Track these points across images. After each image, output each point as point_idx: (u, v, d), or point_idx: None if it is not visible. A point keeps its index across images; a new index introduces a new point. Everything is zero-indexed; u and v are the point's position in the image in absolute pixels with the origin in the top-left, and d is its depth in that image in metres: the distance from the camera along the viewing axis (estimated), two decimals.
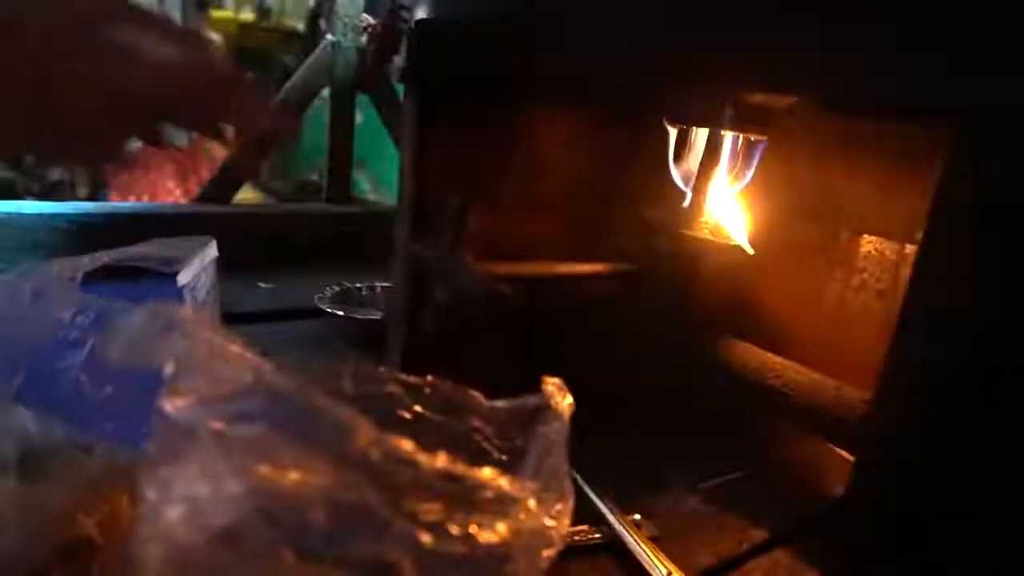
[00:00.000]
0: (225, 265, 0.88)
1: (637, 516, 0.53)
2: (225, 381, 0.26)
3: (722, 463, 0.61)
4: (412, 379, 0.40)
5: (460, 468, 0.29)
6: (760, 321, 0.67)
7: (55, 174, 2.95)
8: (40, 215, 0.77)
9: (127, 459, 0.41)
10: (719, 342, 0.59)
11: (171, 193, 2.97)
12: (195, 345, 0.26)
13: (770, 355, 0.56)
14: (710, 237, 0.58)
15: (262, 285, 0.86)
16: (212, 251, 0.54)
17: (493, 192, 0.64)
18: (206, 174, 3.02)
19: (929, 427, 0.31)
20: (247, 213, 0.92)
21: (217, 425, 0.26)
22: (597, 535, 0.51)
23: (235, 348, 0.31)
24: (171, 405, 0.26)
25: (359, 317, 0.72)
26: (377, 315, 0.73)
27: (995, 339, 0.28)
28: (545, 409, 0.39)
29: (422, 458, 0.28)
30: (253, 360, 0.30)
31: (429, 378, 0.40)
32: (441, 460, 0.29)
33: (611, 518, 0.51)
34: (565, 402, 0.39)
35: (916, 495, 0.30)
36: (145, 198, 2.93)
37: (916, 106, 0.29)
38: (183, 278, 0.53)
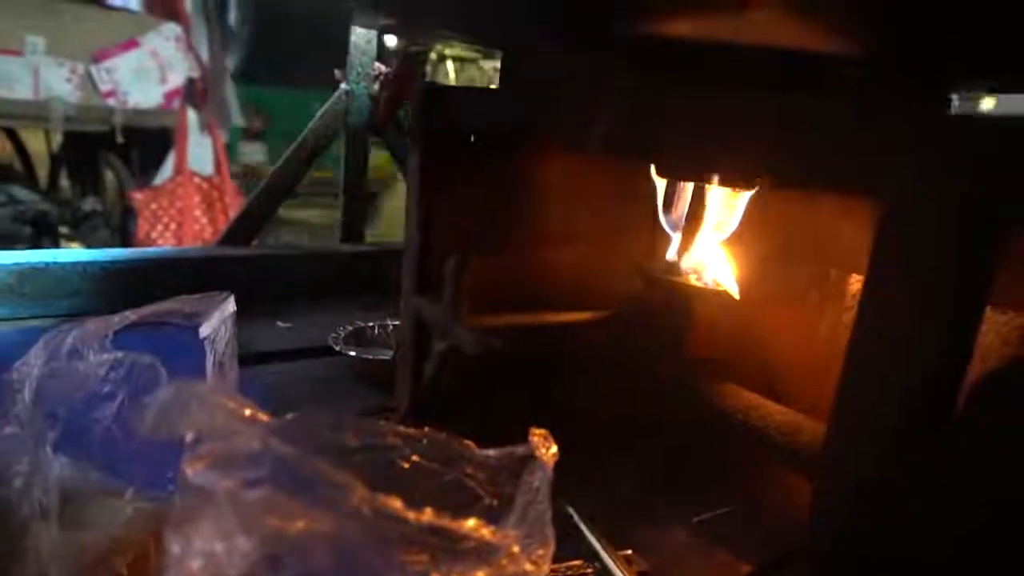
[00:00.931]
0: (247, 306, 0.93)
1: (629, 551, 0.56)
2: (238, 449, 0.30)
3: (714, 498, 0.64)
4: (409, 431, 0.44)
5: (445, 521, 0.33)
6: (754, 361, 0.70)
7: (87, 204, 3.06)
8: (76, 262, 0.83)
9: (153, 504, 0.45)
10: (709, 384, 0.61)
11: (197, 221, 3.06)
12: (212, 417, 0.30)
13: (755, 396, 0.59)
14: (697, 284, 0.61)
15: (280, 324, 0.90)
16: (230, 306, 0.59)
17: (495, 239, 0.68)
18: (231, 202, 3.12)
19: (873, 456, 0.34)
20: (265, 255, 0.97)
21: (230, 487, 0.30)
22: (590, 570, 0.54)
23: (247, 414, 0.35)
24: (191, 470, 0.30)
25: (369, 358, 0.76)
26: (387, 355, 0.76)
27: (929, 375, 0.31)
28: (532, 458, 0.42)
29: (410, 514, 0.32)
30: (262, 427, 0.34)
31: (426, 429, 0.44)
32: (427, 515, 0.32)
33: (603, 554, 0.54)
34: (549, 452, 0.42)
35: (859, 520, 0.33)
36: (172, 226, 3.02)
37: (848, 186, 0.32)
38: (204, 331, 0.58)
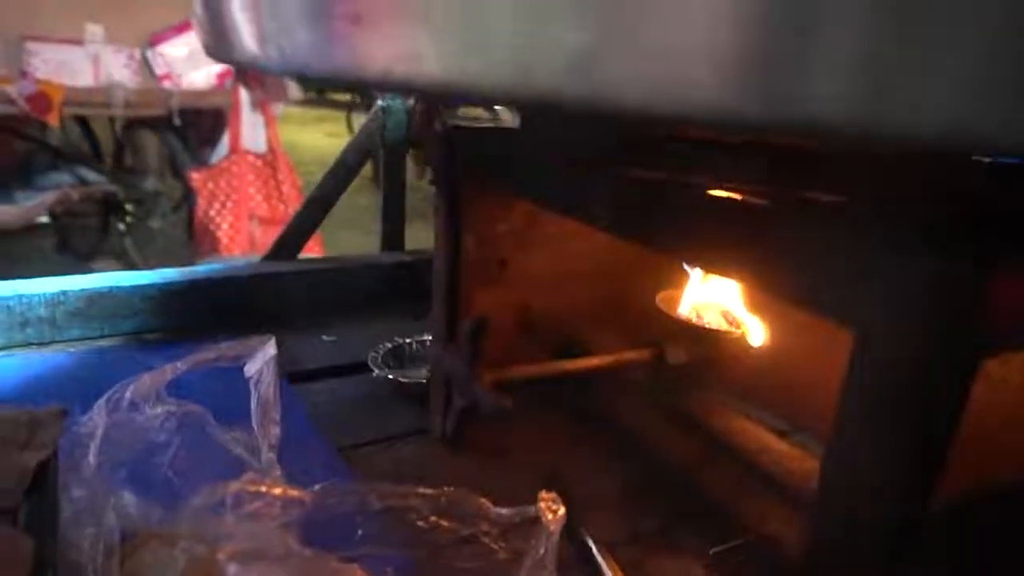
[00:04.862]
0: (294, 319, 0.99)
1: None
2: (265, 550, 0.34)
3: (734, 528, 0.66)
4: (429, 491, 0.47)
5: None
6: (783, 393, 0.71)
7: (149, 185, 3.20)
8: (136, 285, 0.89)
9: (203, 548, 0.51)
10: (727, 421, 0.63)
11: (252, 198, 3.16)
12: (241, 520, 0.35)
13: (772, 438, 0.61)
14: (715, 327, 0.63)
15: (325, 338, 0.95)
16: (271, 349, 0.63)
17: (521, 275, 0.70)
18: (284, 178, 3.20)
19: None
20: (309, 269, 1.01)
21: None
22: None
23: (278, 494, 0.39)
24: (227, 561, 0.35)
25: (406, 380, 0.80)
26: (423, 376, 0.80)
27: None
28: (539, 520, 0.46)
29: None
30: (293, 512, 0.38)
31: (444, 489, 0.48)
32: None
33: None
34: (557, 516, 0.46)
35: None
36: (229, 204, 3.12)
37: (821, 310, 0.34)
38: (249, 370, 0.62)
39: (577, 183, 0.51)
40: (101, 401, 0.54)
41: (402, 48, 0.24)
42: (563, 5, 0.20)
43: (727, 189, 0.41)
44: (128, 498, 0.52)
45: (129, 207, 3.23)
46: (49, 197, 2.96)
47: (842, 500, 0.33)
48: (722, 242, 0.38)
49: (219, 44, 0.34)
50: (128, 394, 0.55)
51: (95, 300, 0.87)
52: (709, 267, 0.42)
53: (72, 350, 0.85)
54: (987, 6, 0.16)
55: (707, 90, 0.20)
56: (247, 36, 0.30)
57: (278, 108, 3.38)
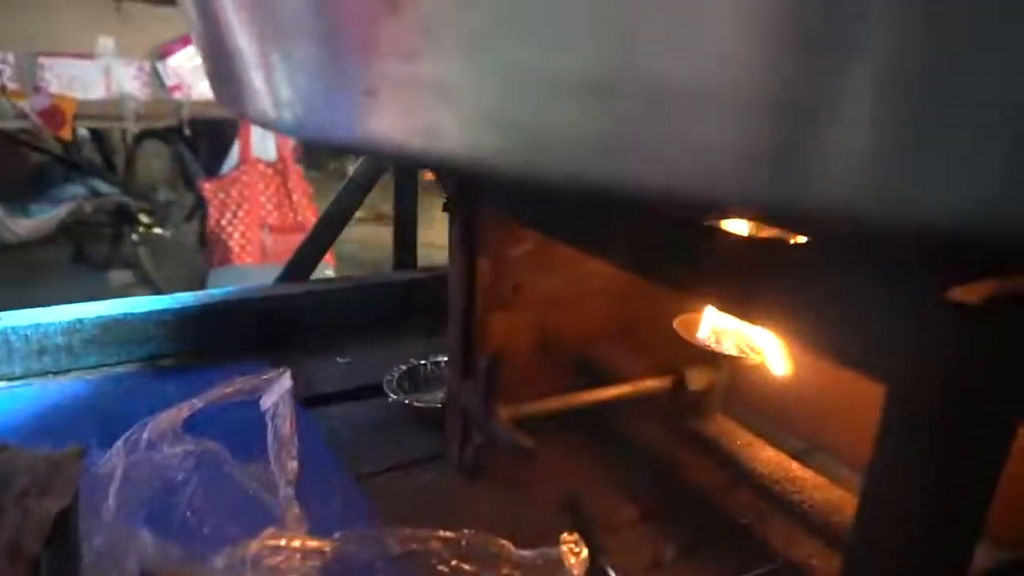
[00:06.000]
0: (308, 341, 0.99)
1: None
2: None
3: (758, 554, 0.65)
4: (449, 534, 0.47)
5: None
6: (803, 413, 0.70)
7: (161, 195, 3.22)
8: (150, 311, 0.89)
9: None
10: (747, 449, 0.62)
11: (263, 207, 3.17)
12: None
13: (795, 467, 0.60)
14: (737, 353, 0.62)
15: (340, 360, 0.95)
16: (287, 382, 0.63)
17: (538, 290, 0.70)
18: (294, 186, 3.21)
19: None
20: (323, 290, 1.01)
21: None
22: None
23: (298, 546, 0.39)
24: None
25: (420, 405, 0.80)
26: (439, 400, 0.80)
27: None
28: (562, 564, 0.45)
29: None
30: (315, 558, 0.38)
31: (465, 531, 0.47)
32: None
33: None
34: (580, 557, 0.45)
35: None
36: (240, 213, 3.14)
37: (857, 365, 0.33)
38: (264, 403, 0.62)
39: (591, 217, 0.50)
40: (119, 442, 0.54)
41: (419, 123, 0.24)
42: (583, 90, 0.20)
43: (750, 227, 0.40)
44: (147, 537, 0.52)
45: (142, 217, 3.26)
46: (63, 209, 2.98)
47: (875, 561, 0.32)
48: (745, 287, 0.37)
49: (233, 101, 0.34)
50: (146, 434, 0.55)
51: (110, 327, 0.87)
52: (732, 312, 0.41)
53: (89, 377, 0.85)
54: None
55: (728, 176, 0.19)
56: (263, 99, 0.30)
57: None
